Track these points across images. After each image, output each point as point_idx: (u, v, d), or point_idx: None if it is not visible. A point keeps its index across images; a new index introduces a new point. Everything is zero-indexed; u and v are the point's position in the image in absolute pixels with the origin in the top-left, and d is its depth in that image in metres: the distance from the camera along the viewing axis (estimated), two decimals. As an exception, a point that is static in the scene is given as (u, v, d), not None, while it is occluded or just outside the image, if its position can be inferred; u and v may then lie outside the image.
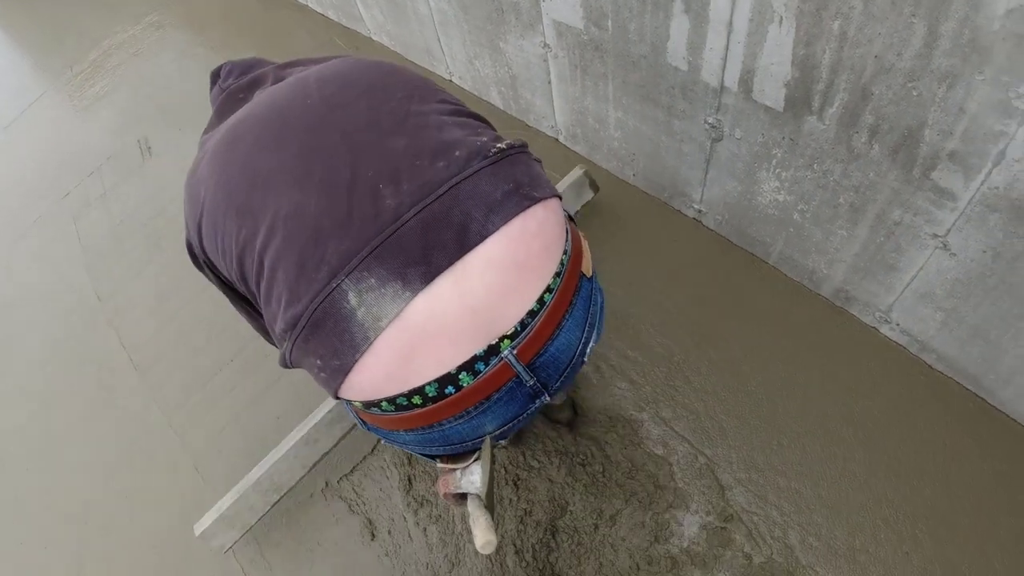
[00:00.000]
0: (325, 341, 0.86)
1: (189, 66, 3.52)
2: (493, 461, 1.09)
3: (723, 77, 1.58)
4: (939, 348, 1.67)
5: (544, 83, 2.16)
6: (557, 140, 2.36)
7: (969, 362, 1.62)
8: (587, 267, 1.07)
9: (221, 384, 2.16)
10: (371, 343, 0.84)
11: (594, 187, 2.13)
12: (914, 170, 1.37)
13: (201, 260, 1.11)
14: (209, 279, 1.17)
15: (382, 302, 0.84)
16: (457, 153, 0.91)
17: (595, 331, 1.09)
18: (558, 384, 1.04)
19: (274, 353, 2.14)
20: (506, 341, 0.91)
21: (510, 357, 0.92)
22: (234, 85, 1.22)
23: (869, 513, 1.58)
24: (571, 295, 0.99)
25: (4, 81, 4.29)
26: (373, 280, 0.84)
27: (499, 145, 0.96)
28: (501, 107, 2.50)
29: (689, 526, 1.62)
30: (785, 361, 1.79)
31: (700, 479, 1.67)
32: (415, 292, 0.84)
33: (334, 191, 0.87)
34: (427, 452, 1.08)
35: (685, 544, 1.59)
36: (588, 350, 1.08)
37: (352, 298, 0.84)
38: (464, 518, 1.71)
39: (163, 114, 3.29)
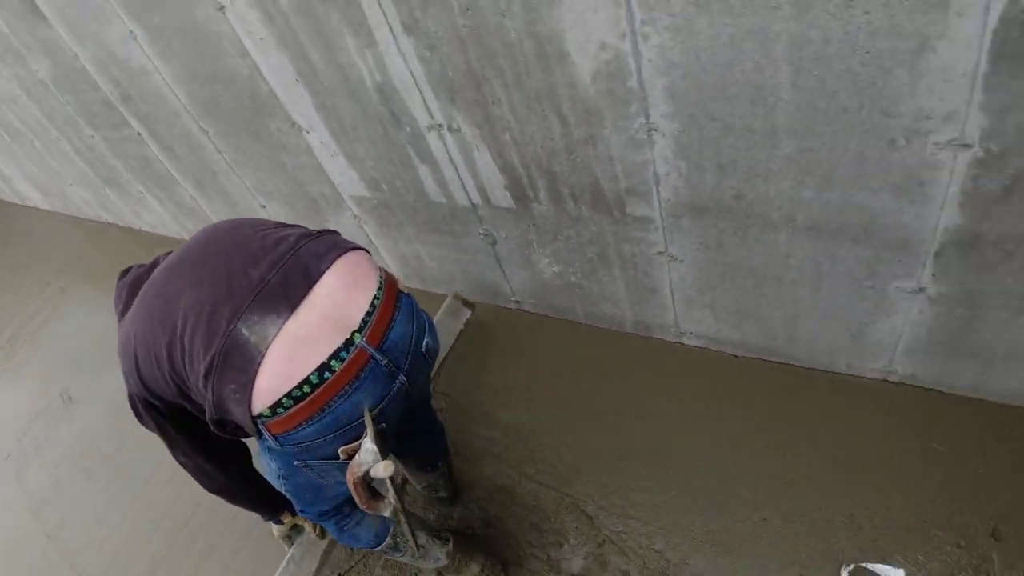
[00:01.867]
0: (235, 365, 1.20)
1: (92, 318, 3.96)
2: (381, 435, 1.34)
3: (469, 197, 1.99)
4: (728, 338, 1.99)
5: (367, 242, 2.57)
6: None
7: (754, 338, 1.95)
8: (402, 287, 1.46)
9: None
10: (263, 354, 1.20)
11: (469, 305, 2.51)
12: (614, 212, 1.76)
13: (142, 404, 1.45)
14: (150, 426, 1.50)
15: (265, 328, 1.22)
16: (291, 239, 1.36)
17: (426, 332, 1.45)
18: (407, 365, 1.37)
19: (204, 529, 2.44)
20: (357, 334, 1.28)
21: (362, 343, 1.28)
22: (138, 271, 1.63)
23: (718, 495, 1.83)
24: (394, 301, 1.38)
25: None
26: (256, 317, 1.22)
27: (317, 230, 1.43)
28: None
29: (573, 559, 1.83)
30: (616, 395, 2.09)
31: (570, 515, 1.90)
32: (285, 317, 1.23)
33: (219, 281, 1.28)
34: (328, 450, 1.33)
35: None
36: (424, 345, 1.43)
37: (245, 331, 1.21)
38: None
39: (76, 365, 3.67)
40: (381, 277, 1.41)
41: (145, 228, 4.25)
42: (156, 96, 2.53)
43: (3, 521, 3.09)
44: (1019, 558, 1.64)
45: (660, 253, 1.81)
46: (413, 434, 1.78)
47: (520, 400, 2.19)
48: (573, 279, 2.08)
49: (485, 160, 1.82)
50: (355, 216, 2.45)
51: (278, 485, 1.54)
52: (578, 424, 2.07)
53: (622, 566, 1.79)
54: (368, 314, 1.32)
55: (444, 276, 2.52)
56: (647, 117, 1.47)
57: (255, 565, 2.25)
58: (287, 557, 2.03)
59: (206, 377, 1.25)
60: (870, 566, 1.70)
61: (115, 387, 3.21)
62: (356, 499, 1.40)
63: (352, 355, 1.28)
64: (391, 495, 1.41)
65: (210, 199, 3.13)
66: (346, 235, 2.53)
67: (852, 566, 1.70)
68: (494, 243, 2.13)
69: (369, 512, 1.43)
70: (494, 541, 1.93)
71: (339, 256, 1.36)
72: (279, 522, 1.94)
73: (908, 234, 1.50)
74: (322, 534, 2.02)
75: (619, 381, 2.11)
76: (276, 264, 1.30)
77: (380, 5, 1.58)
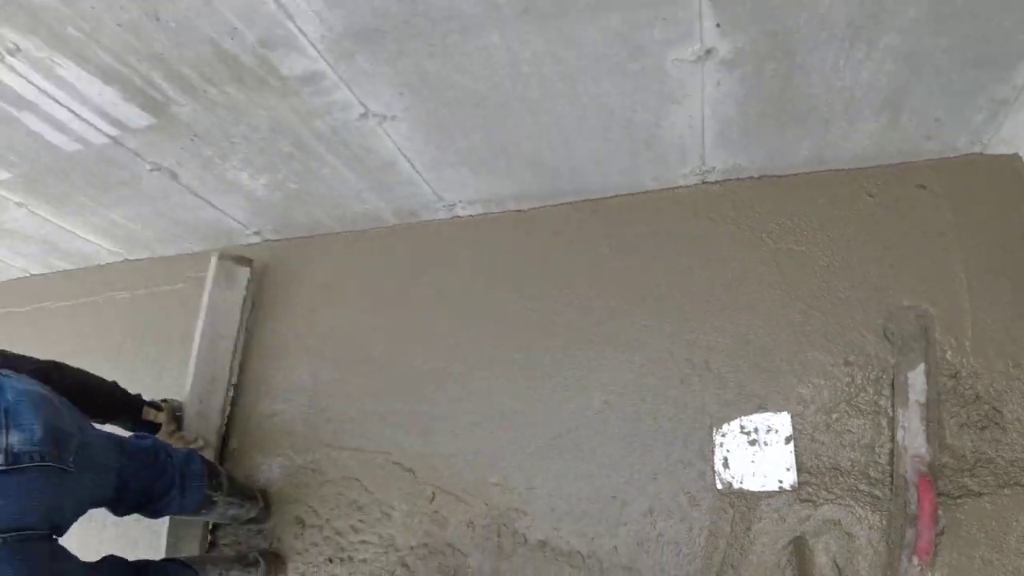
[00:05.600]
0: None
1: None
2: None
3: (99, 130, 1.42)
4: (502, 192, 1.59)
5: (73, 236, 1.95)
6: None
7: (532, 183, 1.52)
8: None
9: None
10: None
11: (243, 262, 1.83)
12: (269, 81, 1.24)
13: None
14: None
15: None
16: None
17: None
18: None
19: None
20: None
21: None
22: None
23: (546, 391, 1.45)
24: None
25: None
26: None
27: None
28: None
29: (407, 529, 1.44)
30: (402, 308, 1.64)
31: (388, 477, 1.50)
32: None
33: None
34: None
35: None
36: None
37: None
38: None
39: None
40: None
41: None
42: None
43: None
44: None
45: (363, 116, 1.30)
46: (150, 496, 1.30)
47: (294, 356, 1.72)
48: (292, 186, 1.56)
49: (76, 75, 1.26)
50: (12, 201, 1.80)
51: None
52: (365, 362, 1.63)
53: (462, 516, 1.41)
54: None
55: (163, 235, 1.92)
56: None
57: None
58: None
59: None
60: (748, 420, 1.34)
61: None
62: None
63: None
64: None
65: None
66: (19, 229, 1.93)
67: (725, 426, 1.34)
68: (174, 176, 1.57)
69: None
70: (311, 542, 1.51)
71: None
72: None
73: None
74: None
75: (401, 289, 1.66)
76: None
77: None
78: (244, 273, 1.83)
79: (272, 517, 1.58)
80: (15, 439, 0.98)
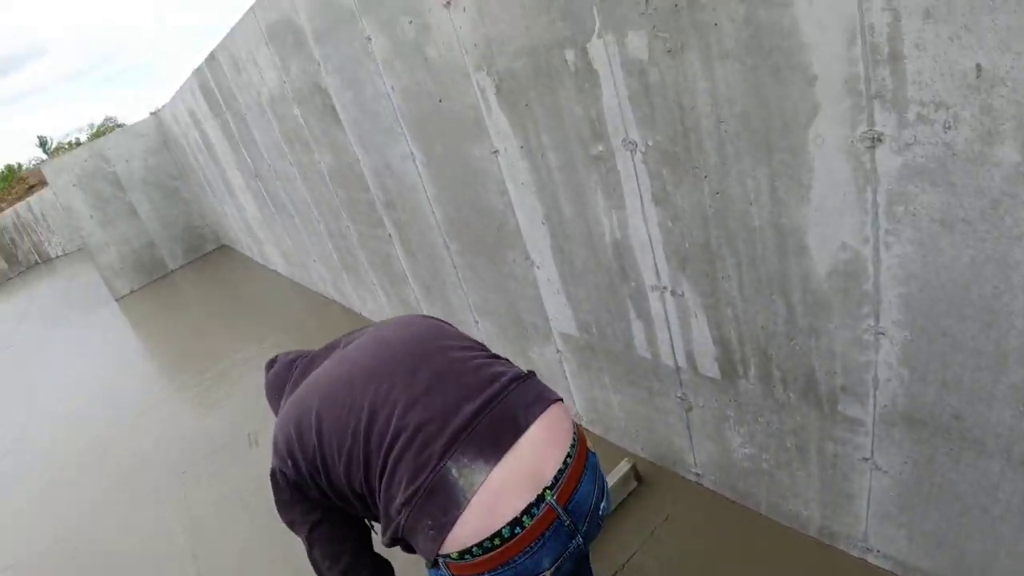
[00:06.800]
0: (437, 504, 1.25)
1: (298, 378, 4.36)
2: None
3: (676, 359, 2.07)
4: (917, 564, 1.82)
5: (562, 379, 2.70)
6: (580, 424, 2.80)
7: (946, 570, 1.77)
8: (589, 445, 1.48)
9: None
10: (468, 501, 1.24)
11: (638, 478, 2.50)
12: (824, 407, 1.74)
13: (290, 481, 1.51)
14: (289, 501, 1.56)
15: (473, 473, 1.26)
16: (503, 378, 1.42)
17: (604, 496, 1.44)
18: (584, 527, 1.37)
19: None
20: (548, 491, 1.30)
21: (552, 501, 1.30)
22: (285, 360, 1.78)
23: None
24: (584, 459, 1.41)
25: (143, 384, 5.30)
26: (466, 460, 1.27)
27: (523, 372, 1.49)
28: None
29: None
30: (787, 601, 1.95)
31: None
32: (493, 465, 1.27)
33: (433, 407, 1.35)
34: None
35: None
36: (601, 509, 1.42)
37: (454, 471, 1.26)
38: None
39: (269, 416, 3.94)
40: (575, 434, 1.46)
41: (364, 313, 4.76)
42: (416, 209, 2.94)
43: (157, 528, 3.42)
44: None
45: (865, 459, 1.74)
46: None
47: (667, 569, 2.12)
48: (764, 466, 2.04)
49: (701, 328, 1.90)
50: (558, 351, 2.60)
51: None
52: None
53: None
54: (560, 471, 1.36)
55: (629, 430, 2.56)
56: (877, 320, 1.49)
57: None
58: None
59: (404, 505, 1.31)
60: None
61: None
62: None
63: (541, 512, 1.30)
64: None
65: (432, 303, 3.47)
66: (546, 368, 2.76)
67: None
68: (689, 409, 2.16)
69: None
70: None
71: (545, 408, 1.42)
72: None
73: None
74: None
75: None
76: (488, 404, 1.36)
77: (636, 177, 1.78)
78: (632, 484, 2.48)
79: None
80: (603, 505, 1.47)
